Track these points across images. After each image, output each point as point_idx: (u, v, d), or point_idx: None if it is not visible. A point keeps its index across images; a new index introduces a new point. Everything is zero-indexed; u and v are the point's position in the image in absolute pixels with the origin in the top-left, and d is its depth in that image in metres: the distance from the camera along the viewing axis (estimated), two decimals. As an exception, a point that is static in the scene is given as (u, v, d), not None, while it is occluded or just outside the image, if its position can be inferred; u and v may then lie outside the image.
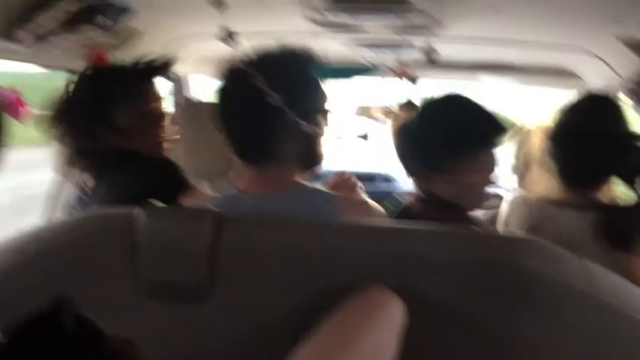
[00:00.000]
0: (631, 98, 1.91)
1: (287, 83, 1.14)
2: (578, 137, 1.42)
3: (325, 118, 1.22)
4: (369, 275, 0.93)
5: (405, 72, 2.22)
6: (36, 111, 1.47)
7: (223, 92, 1.20)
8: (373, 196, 1.33)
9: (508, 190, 2.23)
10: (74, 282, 0.96)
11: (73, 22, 1.43)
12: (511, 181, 2.14)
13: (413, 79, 2.29)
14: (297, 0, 1.64)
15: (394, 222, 1.09)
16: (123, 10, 1.59)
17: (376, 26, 1.93)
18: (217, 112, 1.19)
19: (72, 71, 1.70)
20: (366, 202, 1.24)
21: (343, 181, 1.45)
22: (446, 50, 2.23)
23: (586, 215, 1.40)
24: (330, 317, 0.83)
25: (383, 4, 1.67)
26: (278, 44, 1.20)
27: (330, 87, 1.25)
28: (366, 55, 2.35)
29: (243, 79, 1.15)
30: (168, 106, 1.62)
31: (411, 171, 1.42)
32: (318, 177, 1.29)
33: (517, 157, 2.04)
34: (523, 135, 1.99)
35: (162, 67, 1.59)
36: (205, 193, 1.27)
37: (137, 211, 0.98)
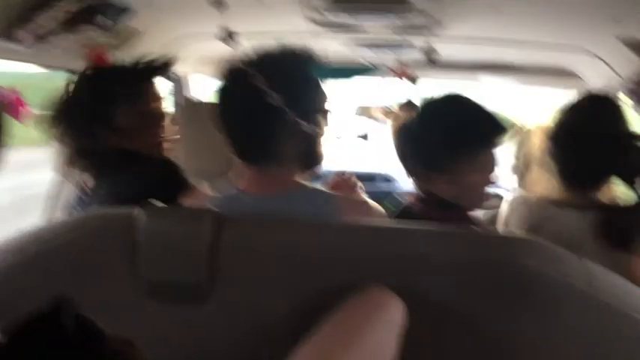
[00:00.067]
0: (631, 98, 1.91)
1: (287, 83, 1.14)
2: (577, 137, 1.42)
3: (325, 118, 1.22)
4: (369, 275, 0.93)
5: (405, 72, 2.22)
6: (36, 111, 1.47)
7: (223, 92, 1.20)
8: (373, 196, 1.33)
9: (508, 190, 2.24)
10: (74, 282, 0.96)
11: (73, 22, 1.43)
12: (511, 181, 2.14)
13: (413, 79, 2.29)
14: (297, 0, 1.64)
15: (394, 222, 1.09)
16: (123, 10, 1.59)
17: (376, 26, 1.93)
18: (217, 111, 1.19)
19: (72, 71, 1.70)
20: (366, 202, 1.24)
21: (343, 182, 1.44)
22: (446, 50, 2.23)
23: (586, 215, 1.40)
24: (330, 317, 0.83)
25: (383, 4, 1.67)
26: (278, 44, 1.20)
27: (330, 87, 1.25)
28: (366, 55, 2.35)
29: (242, 79, 1.15)
30: (168, 106, 1.62)
31: (411, 171, 1.42)
32: (318, 177, 1.29)
33: (517, 157, 2.04)
34: (523, 135, 1.99)
35: (163, 67, 1.59)
36: (205, 193, 1.27)
37: (137, 211, 0.98)
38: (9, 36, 1.29)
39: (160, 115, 1.58)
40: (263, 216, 1.07)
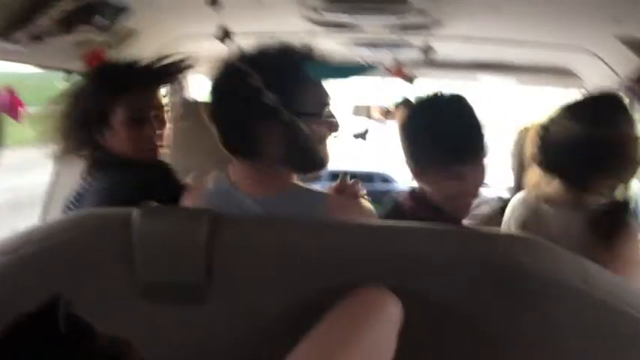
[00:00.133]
0: (630, 97, 1.91)
1: (282, 82, 1.14)
2: (571, 136, 1.42)
3: (323, 119, 1.22)
4: (369, 275, 0.93)
5: (403, 71, 2.22)
6: (32, 110, 1.46)
7: (216, 89, 1.21)
8: (371, 196, 1.33)
9: (506, 190, 2.24)
10: (71, 282, 0.95)
11: (70, 21, 1.43)
12: (509, 180, 2.14)
13: (411, 79, 2.29)
14: (295, 0, 1.64)
15: (393, 222, 1.09)
16: (120, 10, 1.59)
17: (374, 26, 1.93)
18: (210, 108, 1.19)
19: (69, 71, 1.70)
20: (358, 204, 1.23)
21: (347, 187, 1.42)
22: (444, 50, 2.23)
23: (578, 214, 1.40)
24: (328, 317, 0.83)
25: (381, 4, 1.67)
26: (274, 41, 1.20)
27: (328, 86, 1.25)
28: (364, 55, 2.35)
29: (236, 77, 1.15)
30: (169, 108, 1.62)
31: (409, 168, 1.43)
32: (317, 178, 1.29)
33: (514, 156, 2.04)
34: (520, 134, 1.99)
35: (180, 70, 1.59)
36: (199, 188, 1.27)
37: (134, 211, 0.98)
38: (5, 36, 1.29)
39: (162, 121, 1.58)
40: (257, 215, 1.07)
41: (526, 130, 1.96)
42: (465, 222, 1.41)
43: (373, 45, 2.23)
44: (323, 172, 1.31)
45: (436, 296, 0.93)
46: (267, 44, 1.21)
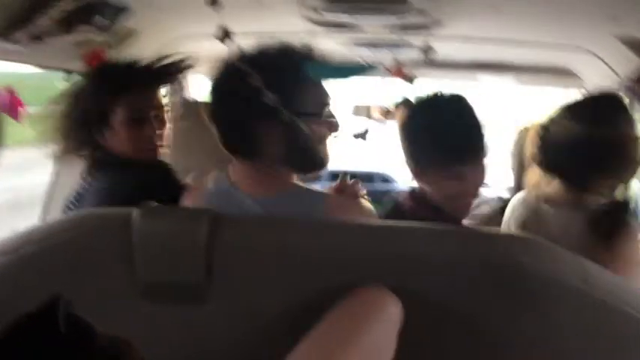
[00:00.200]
0: (630, 97, 1.91)
1: (281, 81, 1.14)
2: (571, 137, 1.42)
3: (323, 119, 1.21)
4: (369, 275, 0.93)
5: (403, 71, 2.22)
6: (32, 110, 1.46)
7: (215, 89, 1.21)
8: (371, 196, 1.33)
9: (506, 190, 2.24)
10: (71, 282, 0.95)
11: (71, 22, 1.43)
12: (509, 180, 2.14)
13: (411, 79, 2.29)
14: (295, 0, 1.64)
15: (393, 222, 1.09)
16: (120, 10, 1.59)
17: (374, 26, 1.93)
18: (210, 108, 1.19)
19: (69, 71, 1.70)
20: (357, 204, 1.23)
21: (346, 187, 1.41)
22: (444, 50, 2.22)
23: (581, 214, 1.40)
24: (328, 317, 0.83)
25: (381, 4, 1.67)
26: (274, 41, 1.20)
27: (328, 86, 1.25)
28: (364, 55, 2.35)
29: (235, 76, 1.15)
30: (168, 107, 1.62)
31: (409, 168, 1.43)
32: (317, 178, 1.29)
33: (514, 156, 2.04)
34: (520, 134, 1.99)
35: (180, 70, 1.59)
36: (199, 188, 1.27)
37: (134, 211, 0.98)
38: (5, 36, 1.28)
39: (162, 121, 1.58)
40: (257, 215, 1.07)
41: (526, 130, 1.96)
42: (465, 222, 1.41)
43: (373, 45, 2.23)
44: (323, 172, 1.31)
45: (436, 296, 0.93)
46: (267, 44, 1.21)
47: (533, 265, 0.91)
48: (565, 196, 1.44)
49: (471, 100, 1.35)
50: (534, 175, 1.52)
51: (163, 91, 1.63)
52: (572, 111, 1.46)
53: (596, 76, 2.11)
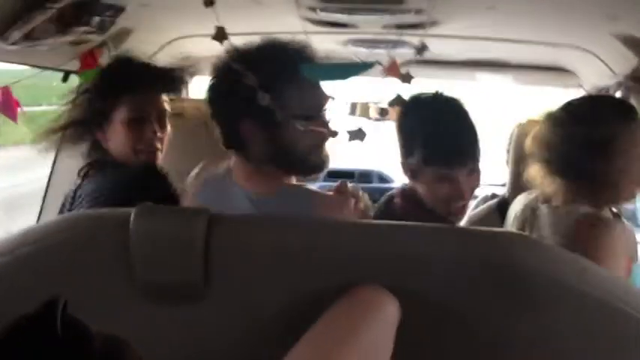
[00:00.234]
0: (627, 95, 1.91)
1: (277, 82, 1.14)
2: (573, 137, 1.42)
3: (320, 120, 1.22)
4: (368, 275, 0.93)
5: (401, 70, 2.22)
6: (28, 110, 1.46)
7: (211, 89, 1.22)
8: (369, 194, 1.33)
9: (501, 186, 2.24)
10: (68, 282, 0.95)
11: (67, 22, 1.42)
12: (504, 177, 2.13)
13: (408, 78, 2.29)
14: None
15: (393, 222, 1.09)
16: (117, 10, 1.59)
17: (372, 25, 1.93)
18: (209, 106, 1.20)
19: (65, 71, 1.70)
20: (345, 203, 1.23)
21: (345, 190, 1.41)
22: (442, 49, 2.22)
23: (571, 215, 1.40)
24: (325, 316, 0.83)
25: (379, 3, 1.67)
26: (270, 41, 1.20)
27: (325, 87, 1.25)
28: (361, 54, 2.35)
29: (230, 77, 1.15)
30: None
31: (402, 169, 1.43)
32: (316, 178, 1.29)
33: (510, 151, 2.04)
34: (518, 128, 1.99)
35: (177, 82, 1.59)
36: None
37: (130, 212, 0.97)
38: (1, 36, 1.28)
39: (163, 125, 1.58)
40: (255, 215, 1.07)
41: (522, 125, 1.96)
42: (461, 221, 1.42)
43: (370, 44, 2.23)
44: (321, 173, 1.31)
45: (435, 296, 0.92)
46: (263, 44, 1.21)
47: (533, 265, 0.91)
48: (564, 197, 1.43)
49: (468, 100, 1.35)
50: (536, 174, 1.51)
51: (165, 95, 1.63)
52: (574, 111, 1.46)
53: (594, 74, 2.11)
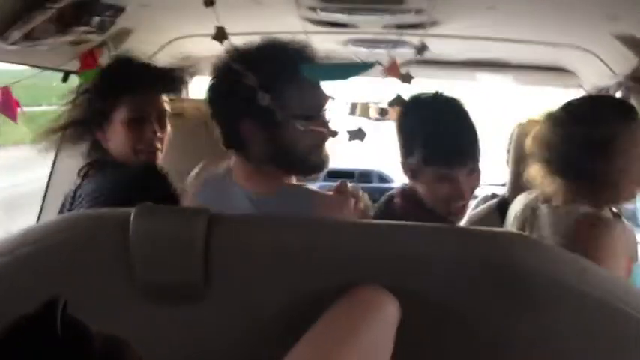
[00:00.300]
0: (627, 95, 1.91)
1: (276, 82, 1.15)
2: (569, 136, 1.42)
3: (320, 121, 1.22)
4: (368, 275, 0.93)
5: (401, 70, 2.22)
6: (28, 110, 1.46)
7: (211, 88, 1.22)
8: (370, 194, 1.33)
9: (501, 186, 2.24)
10: (68, 282, 0.95)
11: (67, 22, 1.42)
12: (504, 177, 2.13)
13: (408, 78, 2.30)
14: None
15: (393, 222, 1.09)
16: (118, 10, 1.59)
17: (372, 25, 1.93)
18: (209, 107, 1.20)
19: (65, 71, 1.70)
20: (345, 202, 1.23)
21: (345, 190, 1.40)
22: (442, 49, 2.22)
23: (571, 215, 1.40)
24: (325, 316, 0.83)
25: (379, 3, 1.67)
26: (271, 41, 1.20)
27: (325, 85, 1.25)
28: (361, 54, 2.35)
29: (230, 77, 1.16)
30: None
31: (402, 169, 1.43)
32: (316, 178, 1.29)
33: (510, 151, 2.04)
34: (517, 128, 1.99)
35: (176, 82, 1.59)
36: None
37: (130, 212, 0.97)
38: (0, 36, 1.28)
39: (163, 125, 1.58)
40: (255, 215, 1.07)
41: (522, 125, 1.96)
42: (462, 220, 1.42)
43: (371, 44, 2.23)
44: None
45: (436, 296, 0.92)
46: (263, 44, 1.21)
47: (533, 265, 0.91)
48: (564, 197, 1.43)
49: (468, 100, 1.36)
50: (536, 174, 1.51)
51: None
52: (576, 111, 1.46)
53: (594, 74, 2.11)
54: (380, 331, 0.84)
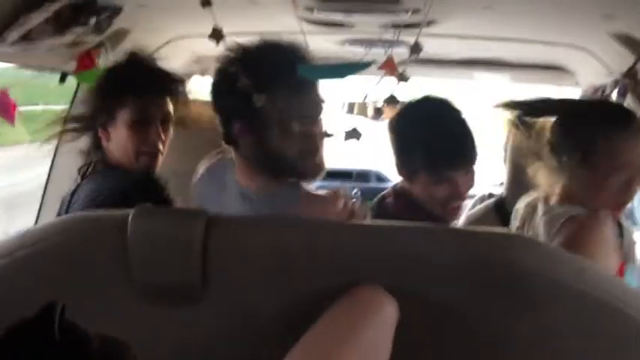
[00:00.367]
0: (623, 93, 1.91)
1: (272, 84, 1.15)
2: (566, 135, 1.42)
3: (314, 124, 1.22)
4: (367, 275, 0.93)
5: (398, 70, 2.22)
6: (23, 109, 1.46)
7: (212, 88, 1.23)
8: (367, 194, 1.33)
9: (498, 185, 2.24)
10: (66, 284, 0.95)
11: (64, 23, 1.42)
12: (500, 176, 2.13)
13: (405, 77, 2.30)
14: (290, -1, 1.64)
15: (393, 222, 1.09)
16: (115, 11, 1.58)
17: (369, 24, 1.93)
18: (212, 106, 1.21)
19: (63, 72, 1.70)
20: (337, 203, 1.24)
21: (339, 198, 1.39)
22: (439, 48, 2.22)
23: (562, 214, 1.39)
24: (325, 317, 0.83)
25: (376, 3, 1.67)
26: (267, 42, 1.20)
27: (322, 87, 1.25)
28: (358, 54, 2.35)
29: (226, 78, 1.16)
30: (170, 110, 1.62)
31: (397, 170, 1.43)
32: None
33: (505, 150, 2.04)
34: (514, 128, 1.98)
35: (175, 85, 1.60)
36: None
37: (128, 212, 0.97)
38: (-4, 37, 1.28)
39: (167, 128, 1.58)
40: (253, 215, 1.07)
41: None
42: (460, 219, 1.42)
43: (367, 43, 2.23)
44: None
45: (435, 296, 0.93)
46: (259, 45, 1.22)
47: (531, 265, 0.92)
48: (560, 197, 1.43)
49: (465, 98, 1.36)
50: (534, 173, 1.51)
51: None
52: (572, 111, 1.46)
53: (591, 73, 2.11)
54: (379, 331, 0.84)
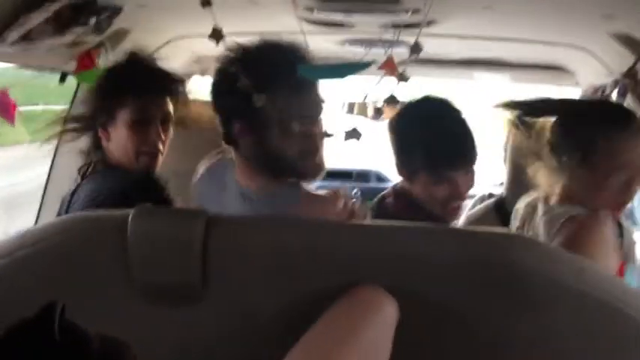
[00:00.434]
0: (623, 93, 1.91)
1: (272, 84, 1.15)
2: (566, 135, 1.42)
3: (314, 124, 1.22)
4: (367, 275, 0.93)
5: (398, 70, 2.22)
6: (23, 109, 1.46)
7: (212, 88, 1.23)
8: (367, 194, 1.34)
9: (498, 185, 2.24)
10: (66, 284, 0.95)
11: (63, 23, 1.42)
12: (500, 176, 2.13)
13: (405, 78, 2.30)
14: None
15: (393, 222, 1.09)
16: (115, 11, 1.58)
17: (369, 24, 1.93)
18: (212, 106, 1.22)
19: (63, 72, 1.70)
20: (337, 203, 1.24)
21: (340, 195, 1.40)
22: (439, 48, 2.22)
23: (561, 215, 1.39)
24: (325, 317, 0.83)
25: (376, 3, 1.67)
26: (267, 42, 1.20)
27: (322, 88, 1.25)
28: (358, 54, 2.35)
29: (226, 78, 1.16)
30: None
31: (397, 171, 1.44)
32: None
33: (505, 150, 2.04)
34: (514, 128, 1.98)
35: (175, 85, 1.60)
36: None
37: (128, 212, 0.97)
38: (-4, 37, 1.28)
39: (167, 128, 1.58)
40: (253, 215, 1.07)
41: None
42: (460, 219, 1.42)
43: (367, 43, 2.23)
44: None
45: (435, 296, 0.93)
46: (259, 45, 1.22)
47: (531, 265, 0.91)
48: (560, 197, 1.43)
49: (465, 98, 1.36)
50: (534, 173, 1.51)
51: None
52: (573, 111, 1.46)
53: (591, 73, 2.11)
54: (379, 331, 0.84)
